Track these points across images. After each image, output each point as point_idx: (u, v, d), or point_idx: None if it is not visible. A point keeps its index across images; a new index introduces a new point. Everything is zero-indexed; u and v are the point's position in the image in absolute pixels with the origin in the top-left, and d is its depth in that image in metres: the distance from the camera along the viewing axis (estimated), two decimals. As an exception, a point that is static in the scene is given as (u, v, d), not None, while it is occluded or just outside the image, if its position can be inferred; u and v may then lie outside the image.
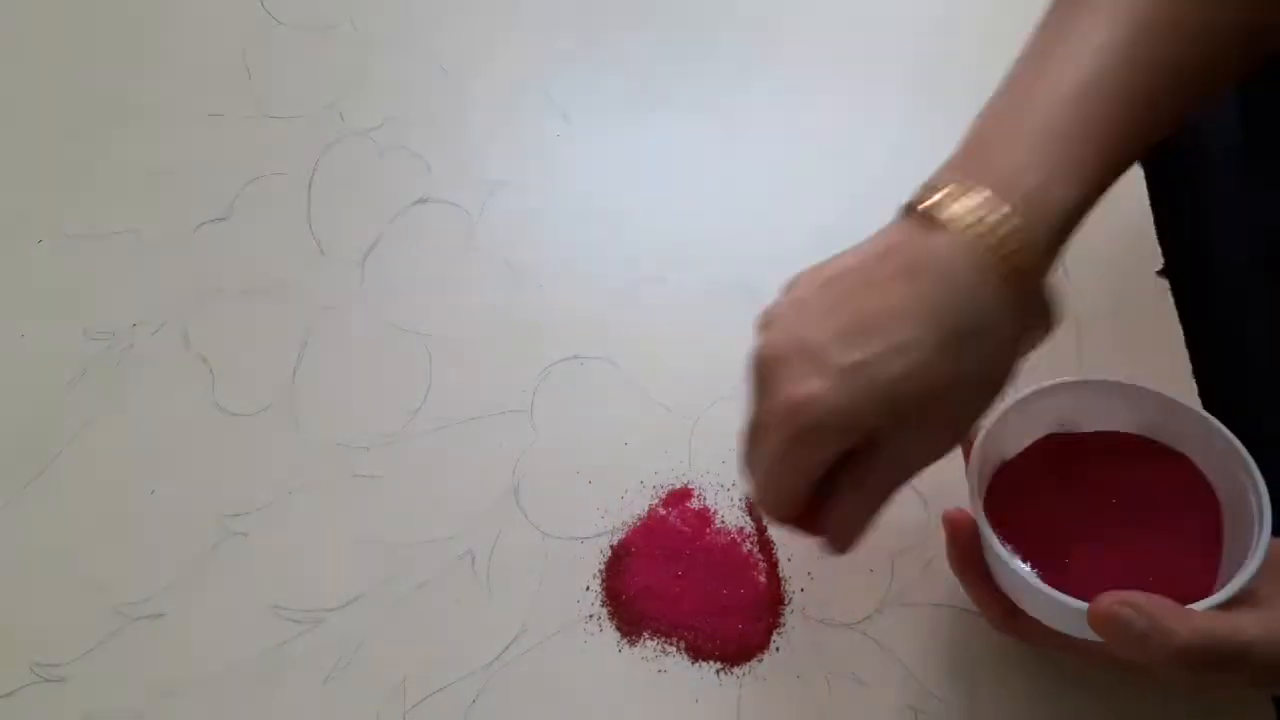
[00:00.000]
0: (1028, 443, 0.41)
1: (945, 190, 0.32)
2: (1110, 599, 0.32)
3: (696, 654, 0.44)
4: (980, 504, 0.37)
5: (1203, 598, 0.34)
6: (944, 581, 0.45)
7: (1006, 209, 0.31)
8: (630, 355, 0.50)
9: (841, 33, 0.59)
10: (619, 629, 0.45)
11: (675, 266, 0.53)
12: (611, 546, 0.46)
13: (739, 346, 0.50)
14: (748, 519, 0.46)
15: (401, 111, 0.57)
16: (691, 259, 0.53)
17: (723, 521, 0.46)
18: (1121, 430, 0.41)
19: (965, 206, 0.31)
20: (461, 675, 0.44)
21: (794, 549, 0.46)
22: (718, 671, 0.44)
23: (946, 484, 0.46)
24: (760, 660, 0.44)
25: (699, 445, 0.48)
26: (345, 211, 0.55)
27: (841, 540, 0.35)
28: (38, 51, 0.60)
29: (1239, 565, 0.35)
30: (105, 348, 0.51)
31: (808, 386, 0.30)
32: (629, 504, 0.47)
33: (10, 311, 0.53)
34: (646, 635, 0.44)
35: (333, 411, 0.50)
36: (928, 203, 0.32)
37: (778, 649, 0.44)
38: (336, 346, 0.51)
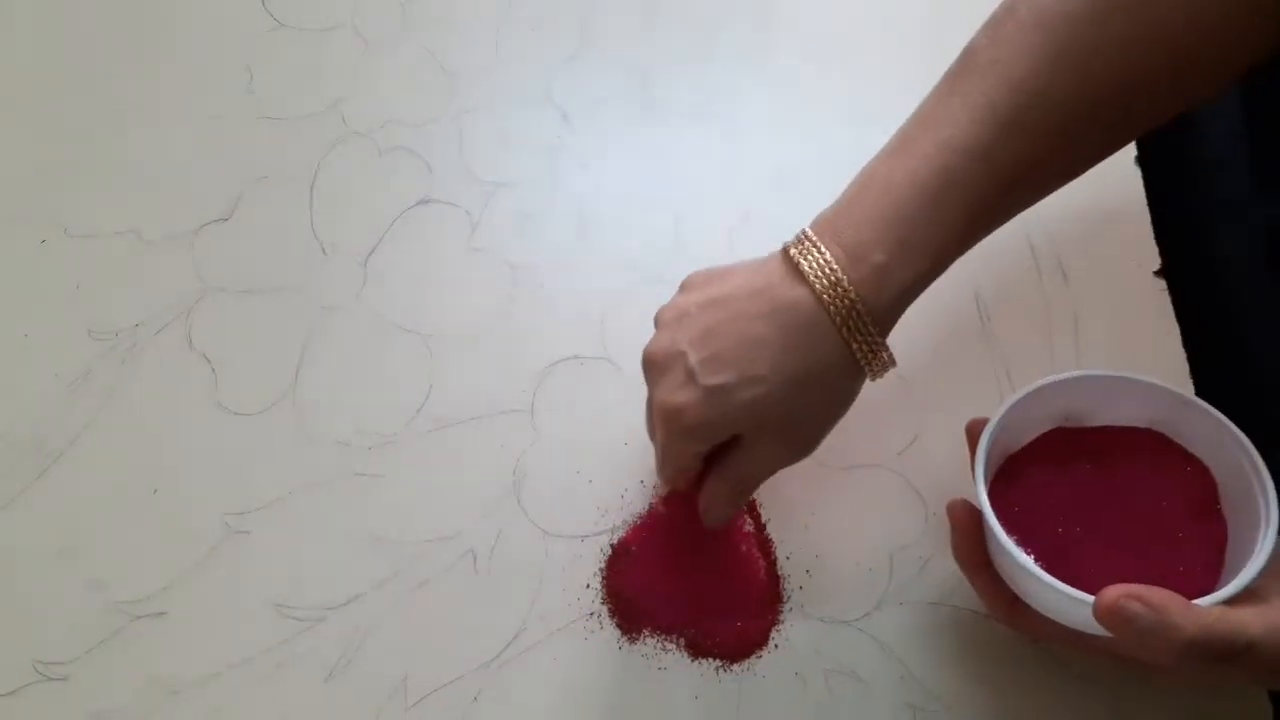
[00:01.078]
0: (1034, 435, 0.41)
1: (813, 247, 0.37)
2: (1116, 591, 0.33)
3: (696, 652, 0.44)
4: (985, 494, 0.37)
5: (1206, 594, 0.34)
6: (943, 580, 0.45)
7: (852, 280, 0.36)
8: (630, 355, 0.50)
9: (841, 33, 0.59)
10: (619, 627, 0.45)
11: (675, 266, 0.53)
12: (612, 545, 0.46)
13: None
14: (748, 518, 0.47)
15: (402, 112, 0.58)
16: (691, 259, 0.53)
17: (722, 520, 0.47)
18: (1128, 425, 0.41)
19: (822, 266, 0.37)
20: (462, 673, 0.44)
21: (793, 547, 0.46)
22: (717, 669, 0.44)
23: (946, 484, 0.47)
24: (759, 658, 0.44)
25: (699, 444, 0.48)
26: (347, 212, 0.55)
27: (711, 515, 0.42)
28: (38, 51, 0.60)
29: (1244, 562, 0.35)
30: (108, 348, 0.52)
31: (680, 396, 0.38)
32: (629, 503, 0.47)
33: (13, 311, 0.53)
34: (646, 633, 0.44)
35: (334, 411, 0.50)
36: (794, 253, 0.37)
37: (776, 647, 0.44)
38: (338, 346, 0.51)
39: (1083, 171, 0.39)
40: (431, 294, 0.53)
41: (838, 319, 0.36)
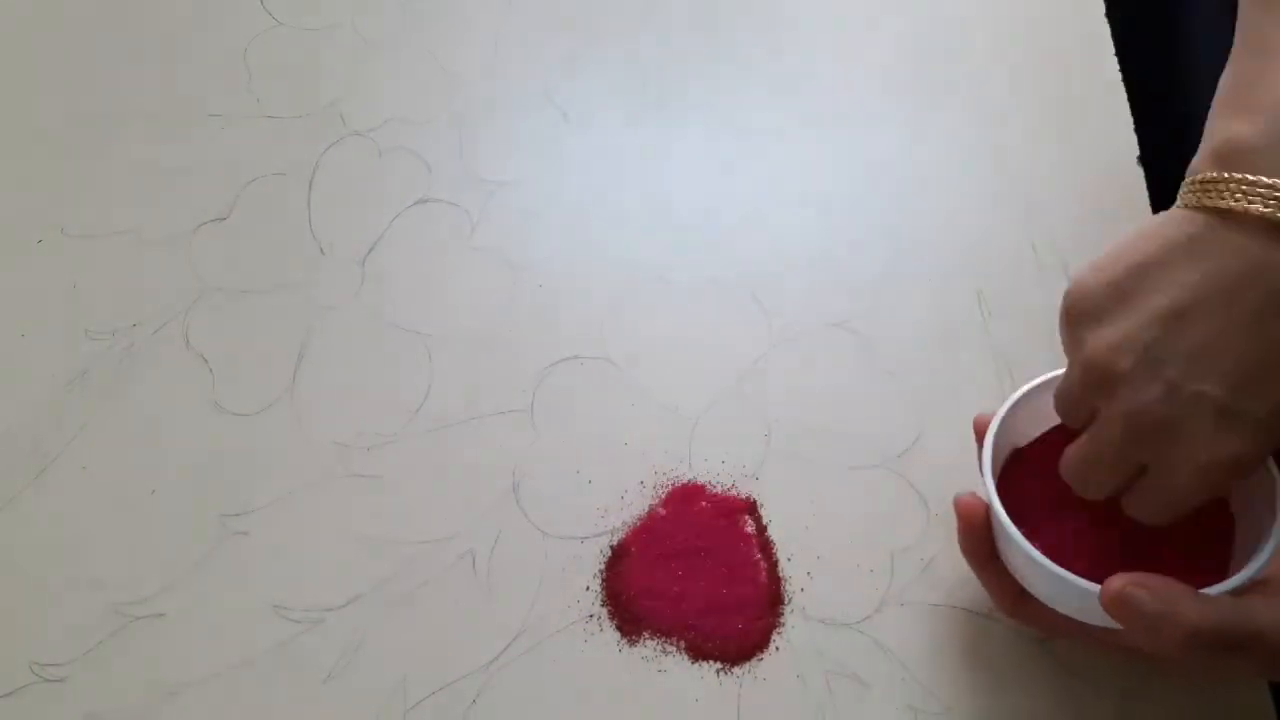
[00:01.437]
0: (1040, 431, 0.41)
1: (1261, 185, 0.30)
2: (1122, 580, 0.32)
3: (696, 654, 0.44)
4: (993, 485, 0.37)
5: (1214, 584, 0.34)
6: (944, 581, 0.45)
7: None
8: (630, 355, 0.50)
9: (842, 33, 0.59)
10: (619, 629, 0.45)
11: (675, 266, 0.53)
12: (611, 546, 0.46)
13: (739, 347, 0.50)
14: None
15: (401, 111, 0.57)
16: (691, 259, 0.53)
17: (723, 521, 0.46)
18: None
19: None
20: (462, 675, 0.44)
21: (794, 549, 0.46)
22: (718, 671, 0.44)
23: (948, 485, 0.46)
24: (760, 660, 0.44)
25: (699, 445, 0.48)
26: (345, 211, 0.55)
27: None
28: (38, 51, 0.60)
29: (1252, 551, 0.35)
30: (105, 348, 0.52)
31: (1229, 448, 0.31)
32: (629, 504, 0.47)
33: (10, 311, 0.53)
34: (646, 635, 0.44)
35: (333, 411, 0.50)
36: (1246, 205, 0.30)
37: (777, 649, 0.44)
38: (337, 346, 0.51)
39: None
40: (431, 294, 0.53)
41: None
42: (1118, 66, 0.56)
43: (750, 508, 0.47)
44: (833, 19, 0.60)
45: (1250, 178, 0.30)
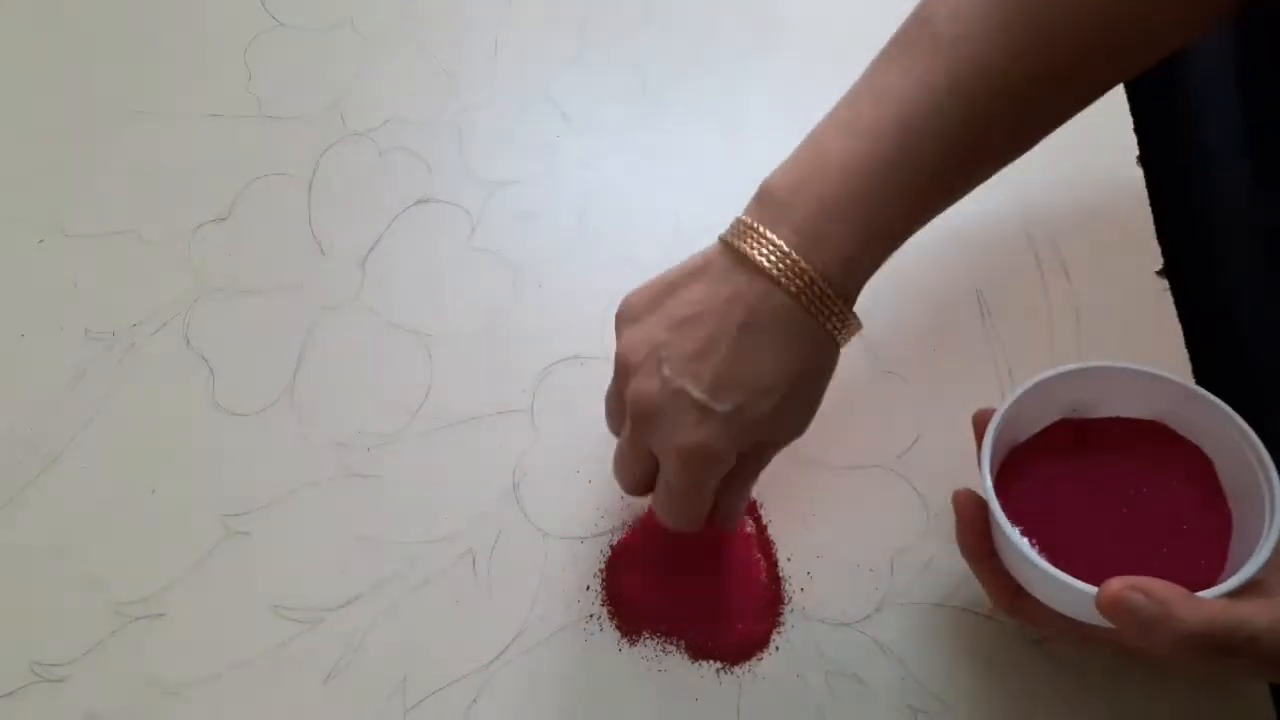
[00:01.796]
0: (1040, 427, 0.41)
1: (761, 238, 0.36)
2: (1120, 583, 0.33)
3: (696, 653, 0.44)
4: (991, 483, 0.37)
5: (1211, 586, 0.34)
6: (944, 581, 0.45)
7: (817, 268, 0.35)
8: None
9: (841, 32, 0.59)
10: (619, 628, 0.45)
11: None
12: (611, 546, 0.46)
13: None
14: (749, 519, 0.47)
15: (401, 112, 0.57)
16: (691, 259, 0.53)
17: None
18: (1134, 416, 0.41)
19: (783, 259, 0.35)
20: (462, 675, 0.44)
21: (794, 549, 0.46)
22: (718, 671, 0.44)
23: (947, 484, 0.46)
24: (760, 660, 0.44)
25: (699, 445, 0.48)
26: (346, 212, 0.55)
27: (733, 522, 0.42)
28: (38, 51, 0.60)
29: (1248, 554, 0.35)
30: (106, 347, 0.52)
31: (700, 434, 0.36)
32: (629, 504, 0.47)
33: (10, 311, 0.53)
34: (646, 635, 0.44)
35: (333, 411, 0.50)
36: (744, 247, 0.36)
37: (777, 649, 0.44)
38: (337, 346, 0.51)
39: (1042, 138, 0.39)
40: (431, 294, 0.53)
41: (813, 309, 0.36)
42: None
43: (750, 508, 0.47)
44: (832, 19, 0.60)
45: (759, 229, 0.36)
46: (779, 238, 0.36)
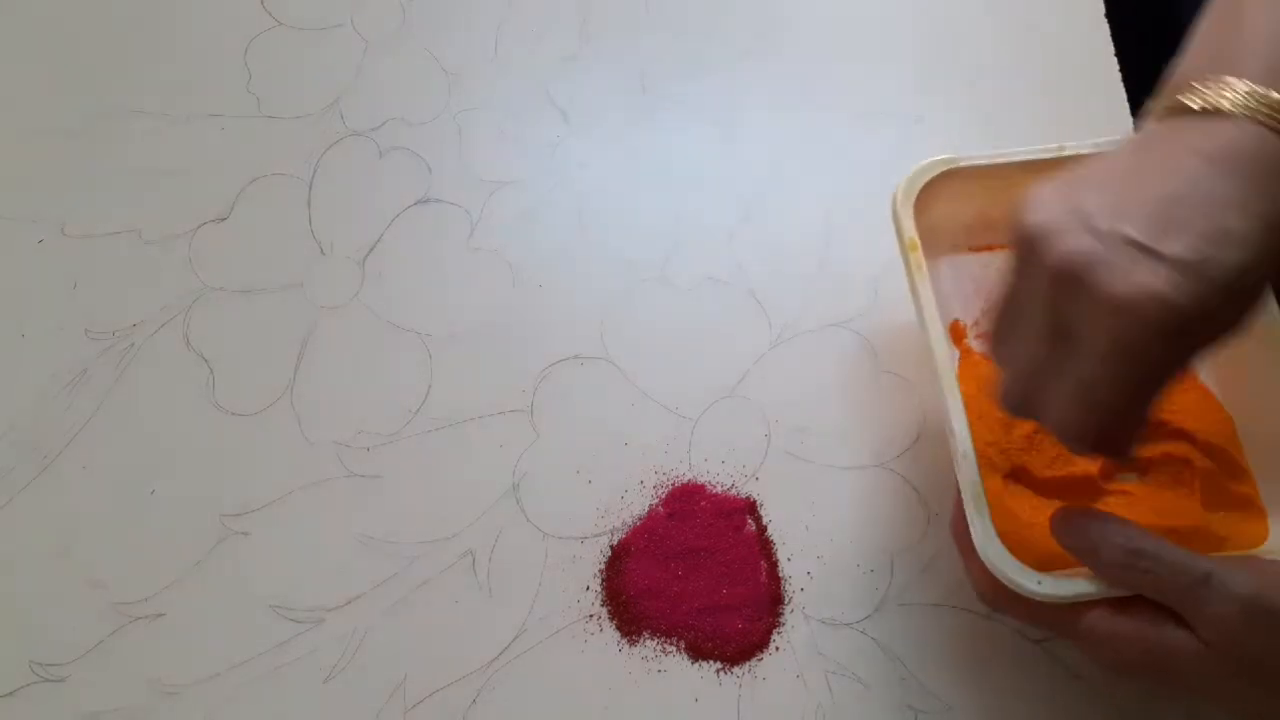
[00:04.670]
0: None
1: (1213, 88, 0.30)
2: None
3: (696, 654, 0.44)
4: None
5: None
6: (944, 581, 0.45)
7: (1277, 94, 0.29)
8: (630, 355, 0.50)
9: (841, 32, 0.59)
10: (619, 629, 0.45)
11: (675, 266, 0.53)
12: (611, 546, 0.46)
13: (739, 347, 0.50)
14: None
15: (402, 111, 0.57)
16: (691, 259, 0.53)
17: (723, 521, 0.46)
18: None
19: (1239, 93, 0.29)
20: (461, 675, 0.44)
21: (794, 549, 0.46)
22: (718, 671, 0.44)
23: (946, 484, 0.47)
24: (760, 660, 0.44)
25: (699, 445, 0.48)
26: (345, 212, 0.55)
27: (1132, 451, 0.33)
28: (38, 51, 0.60)
29: None
30: (105, 347, 0.51)
31: (1145, 278, 0.28)
32: (629, 504, 0.47)
33: (10, 311, 0.53)
34: (646, 635, 0.44)
35: (333, 411, 0.50)
36: (1196, 96, 0.30)
37: (778, 649, 0.44)
38: (337, 346, 0.51)
39: None
40: (431, 294, 0.52)
41: None
42: (1117, 66, 0.56)
43: (750, 508, 0.47)
44: (832, 19, 0.60)
45: (1206, 79, 0.30)
46: (1239, 80, 0.29)
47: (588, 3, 0.61)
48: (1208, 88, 0.30)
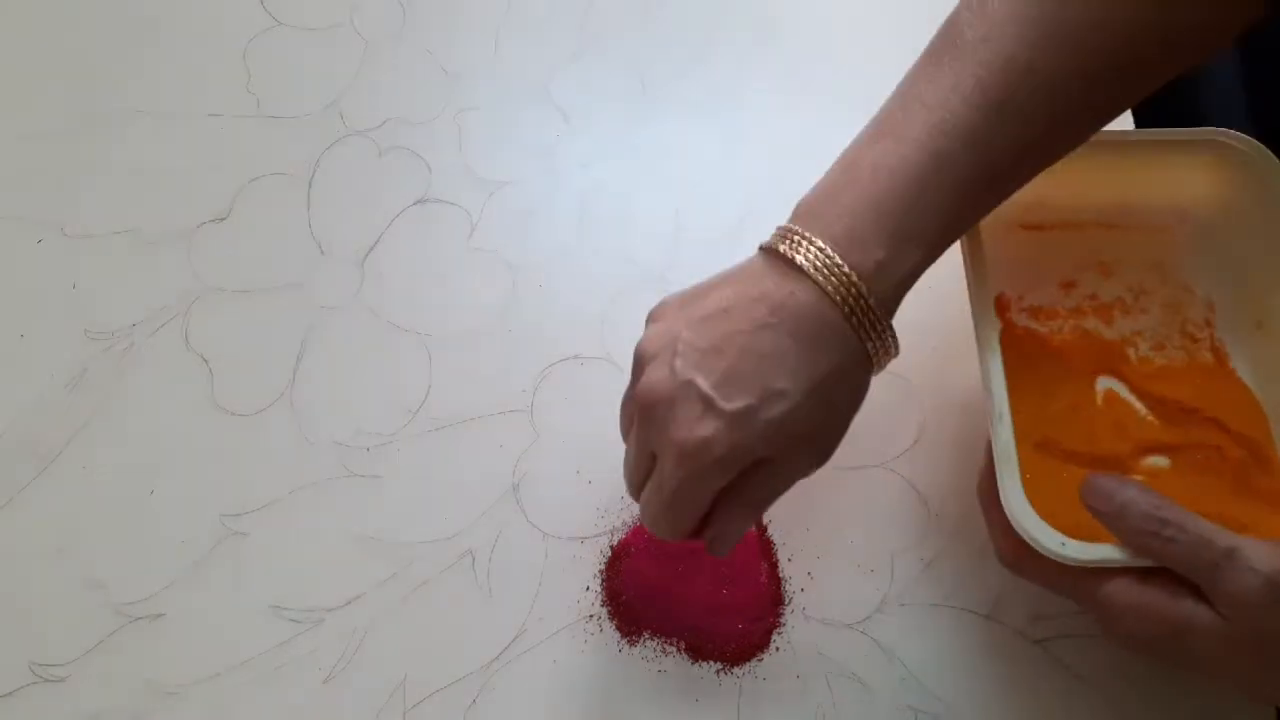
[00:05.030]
0: None
1: (802, 239, 0.35)
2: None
3: (696, 654, 0.44)
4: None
5: None
6: (944, 581, 0.45)
7: (853, 267, 0.34)
8: (630, 355, 0.50)
9: (841, 32, 0.59)
10: (619, 629, 0.45)
11: (675, 266, 0.53)
12: (611, 546, 0.46)
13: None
14: None
15: (401, 111, 0.57)
16: (691, 259, 0.53)
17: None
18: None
19: (819, 258, 0.34)
20: (461, 675, 0.44)
21: (794, 549, 0.46)
22: (718, 671, 0.44)
23: (946, 484, 0.47)
24: (760, 660, 0.44)
25: (699, 445, 0.48)
26: (345, 211, 0.55)
27: (725, 546, 0.38)
28: (38, 51, 0.60)
29: None
30: (105, 348, 0.51)
31: (701, 430, 0.34)
32: (629, 504, 0.47)
33: (10, 311, 0.53)
34: (646, 635, 0.44)
35: (333, 411, 0.50)
36: (784, 248, 0.35)
37: (778, 649, 0.44)
38: (336, 346, 0.51)
39: (1069, 151, 0.38)
40: (430, 294, 0.52)
41: (845, 309, 0.34)
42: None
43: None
44: (831, 19, 0.60)
45: (803, 234, 0.35)
46: (819, 239, 0.35)
47: (588, 3, 0.61)
48: (796, 241, 0.35)
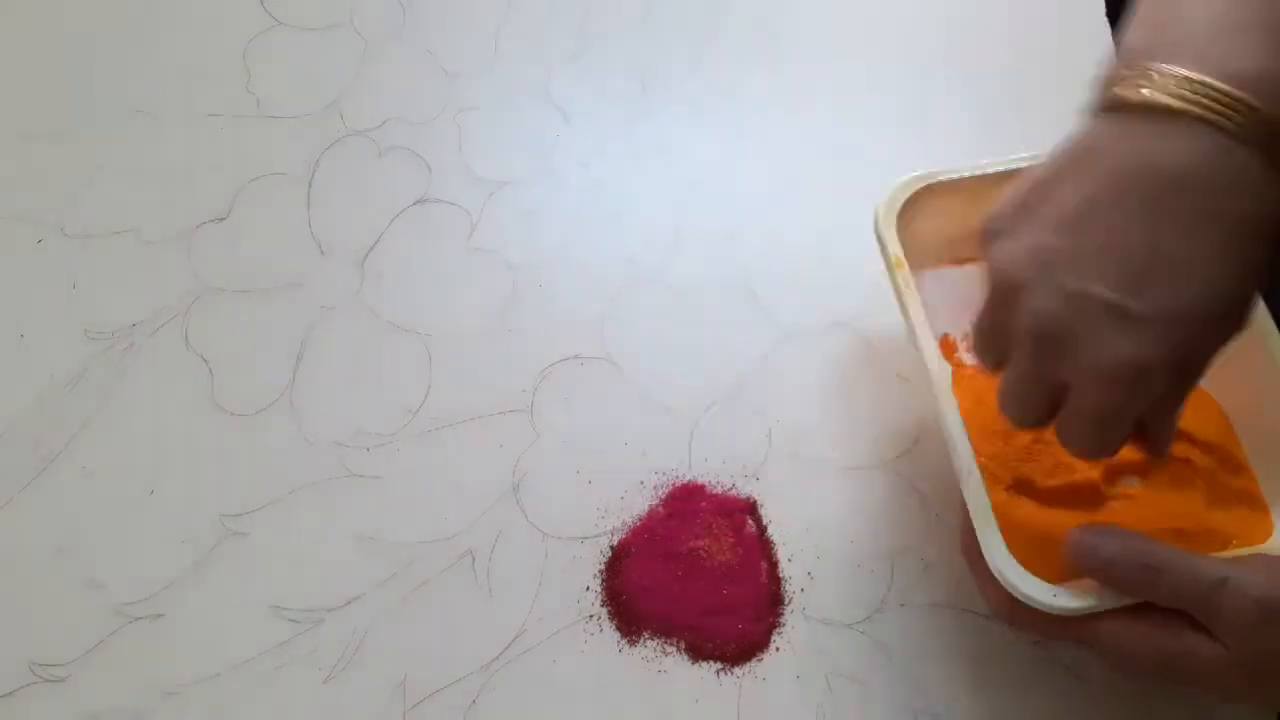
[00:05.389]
0: None
1: (1168, 76, 0.28)
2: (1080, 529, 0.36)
3: (696, 654, 0.44)
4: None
5: None
6: (945, 582, 0.45)
7: (1245, 93, 0.27)
8: (630, 355, 0.50)
9: (841, 32, 0.59)
10: (619, 629, 0.44)
11: (675, 267, 0.53)
12: (611, 546, 0.46)
13: (739, 347, 0.50)
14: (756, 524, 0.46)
15: (401, 111, 0.57)
16: (691, 259, 0.53)
17: (723, 521, 0.46)
18: None
19: (1179, 83, 0.28)
20: (461, 675, 0.44)
21: (794, 549, 0.46)
22: (718, 671, 0.44)
23: (946, 484, 0.47)
24: (760, 660, 0.44)
25: (699, 445, 0.48)
26: (345, 211, 0.55)
27: (1165, 449, 0.35)
28: (37, 51, 0.60)
29: None
30: (105, 348, 0.51)
31: (1124, 348, 0.29)
32: (629, 504, 0.47)
33: (9, 311, 0.53)
34: (646, 635, 0.44)
35: (333, 411, 0.50)
36: (1148, 91, 0.28)
37: (778, 649, 0.44)
38: (336, 346, 0.51)
39: None
40: (430, 294, 0.52)
41: (1253, 139, 0.27)
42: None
43: (750, 508, 0.47)
44: (832, 19, 0.60)
45: (1146, 67, 0.29)
46: (1174, 66, 0.28)
47: (588, 3, 0.61)
48: (1148, 79, 0.28)
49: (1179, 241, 0.28)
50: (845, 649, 0.44)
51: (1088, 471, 0.42)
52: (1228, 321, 0.30)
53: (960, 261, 0.48)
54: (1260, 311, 0.41)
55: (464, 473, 0.48)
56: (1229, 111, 0.27)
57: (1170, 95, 0.28)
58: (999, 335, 0.33)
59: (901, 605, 0.45)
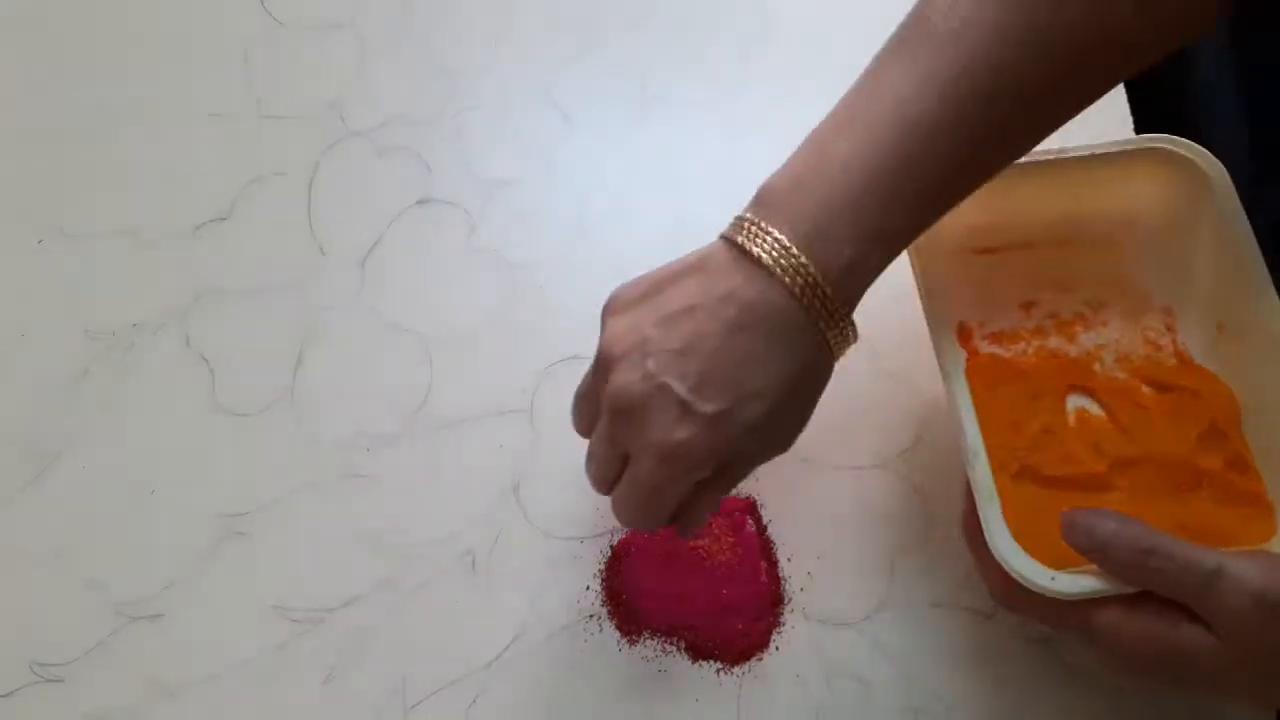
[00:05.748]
0: None
1: (765, 234, 0.35)
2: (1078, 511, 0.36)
3: (696, 654, 0.44)
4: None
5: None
6: (944, 581, 0.45)
7: (818, 266, 0.34)
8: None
9: (841, 32, 0.59)
10: (619, 629, 0.45)
11: (675, 266, 0.53)
12: (611, 546, 0.46)
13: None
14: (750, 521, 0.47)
15: (401, 111, 0.57)
16: (691, 259, 0.53)
17: (723, 521, 0.46)
18: None
19: (783, 256, 0.34)
20: (462, 675, 0.44)
21: (794, 549, 0.46)
22: (718, 671, 0.44)
23: (946, 484, 0.47)
24: (760, 660, 0.44)
25: (699, 445, 0.48)
26: (345, 212, 0.55)
27: (695, 530, 0.39)
28: (38, 51, 0.60)
29: None
30: (105, 348, 0.51)
31: (680, 433, 0.35)
32: (629, 504, 0.47)
33: (10, 311, 0.53)
34: (646, 635, 0.44)
35: (333, 411, 0.50)
36: (744, 241, 0.35)
37: (778, 649, 0.44)
38: (337, 346, 0.51)
39: (1043, 136, 0.38)
40: (430, 294, 0.52)
41: (812, 308, 0.34)
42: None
43: (750, 508, 0.47)
44: (832, 19, 0.59)
45: (765, 227, 0.35)
46: (780, 233, 0.34)
47: (588, 2, 0.61)
48: (756, 234, 0.35)
49: (742, 366, 0.35)
50: (845, 648, 0.44)
51: (1094, 463, 0.42)
52: (768, 437, 0.37)
53: (979, 251, 0.48)
54: (1270, 311, 0.41)
55: (464, 473, 0.48)
56: (801, 281, 0.34)
57: (769, 255, 0.34)
58: (591, 400, 0.38)
59: (901, 605, 0.44)
